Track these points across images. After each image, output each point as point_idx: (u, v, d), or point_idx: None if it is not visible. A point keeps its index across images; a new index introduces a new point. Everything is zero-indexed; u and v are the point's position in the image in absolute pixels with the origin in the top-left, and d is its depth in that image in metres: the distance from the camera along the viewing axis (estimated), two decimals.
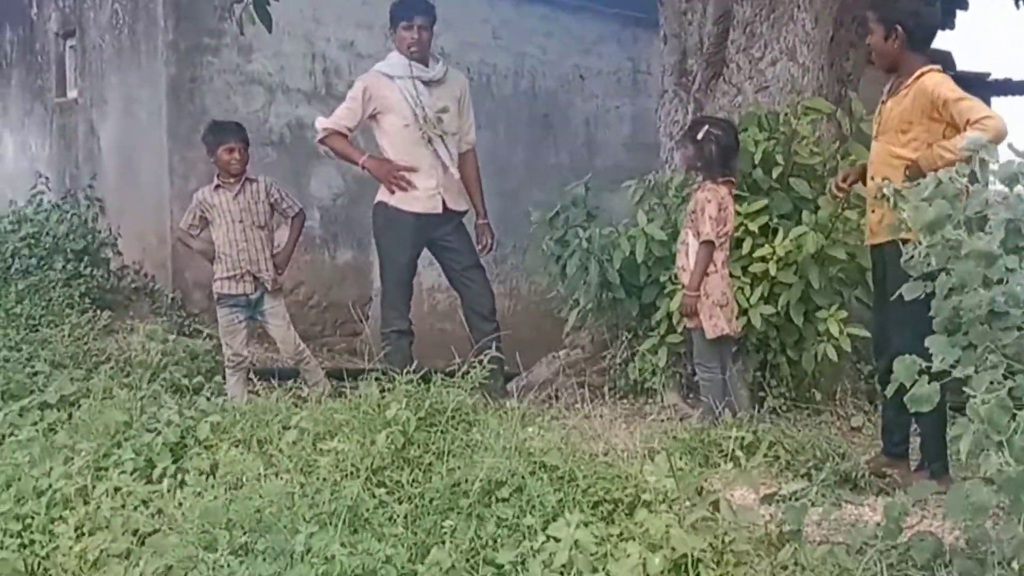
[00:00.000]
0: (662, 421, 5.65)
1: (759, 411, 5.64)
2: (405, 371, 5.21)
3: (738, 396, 5.50)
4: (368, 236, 9.17)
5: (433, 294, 9.35)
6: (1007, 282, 3.18)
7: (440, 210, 6.28)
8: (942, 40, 13.45)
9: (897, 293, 3.73)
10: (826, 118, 6.12)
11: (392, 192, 6.21)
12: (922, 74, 4.53)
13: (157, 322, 8.37)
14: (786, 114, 5.91)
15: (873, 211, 4.71)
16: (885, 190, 4.18)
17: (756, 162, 5.85)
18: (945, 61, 11.93)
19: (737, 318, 5.57)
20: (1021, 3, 9.23)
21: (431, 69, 6.33)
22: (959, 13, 12.05)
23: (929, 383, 3.30)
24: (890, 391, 3.52)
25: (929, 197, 3.63)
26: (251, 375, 6.36)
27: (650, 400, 6.08)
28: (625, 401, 6.04)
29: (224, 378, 6.51)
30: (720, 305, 5.38)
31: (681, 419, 5.67)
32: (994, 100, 12.21)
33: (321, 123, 6.35)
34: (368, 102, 6.24)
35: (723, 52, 6.45)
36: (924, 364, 3.31)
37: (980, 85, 12.19)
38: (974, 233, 3.25)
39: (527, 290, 9.75)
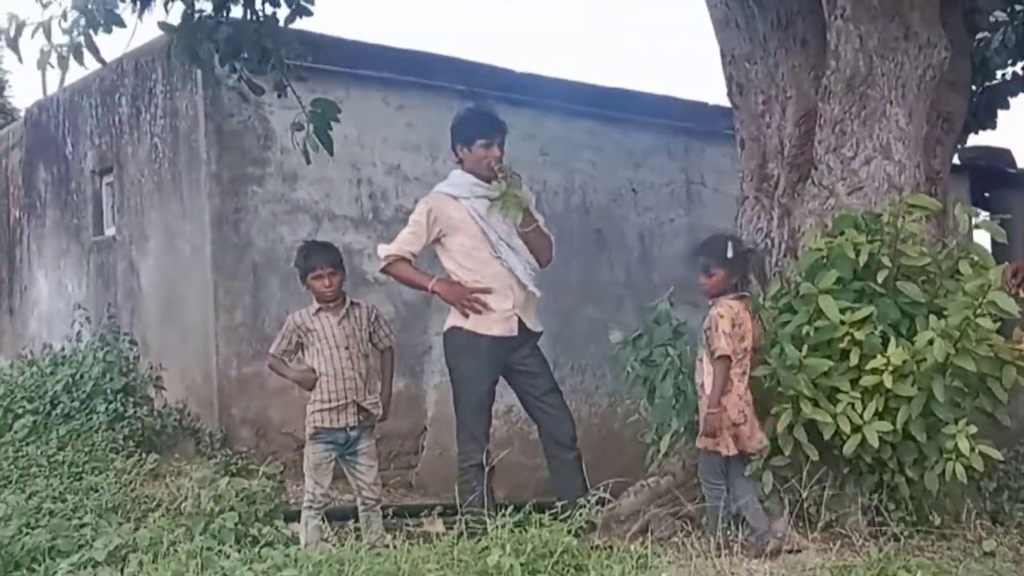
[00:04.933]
0: (777, 554, 5.14)
1: (879, 539, 5.24)
2: (498, 509, 4.90)
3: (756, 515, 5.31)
4: (420, 363, 8.94)
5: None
6: None
7: (517, 332, 5.96)
8: (1002, 138, 13.44)
9: None
10: (926, 218, 5.74)
11: (466, 316, 5.89)
12: None
13: (204, 463, 7.98)
14: (890, 214, 5.54)
15: None
16: None
17: (859, 267, 5.46)
18: (1005, 159, 11.74)
19: (848, 437, 5.24)
20: None
21: (496, 187, 6.02)
22: (1015, 106, 11.89)
23: None
24: None
25: None
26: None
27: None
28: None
29: (295, 520, 6.06)
30: (737, 424, 5.24)
31: (793, 551, 5.19)
32: None
33: (385, 250, 6.06)
34: (433, 224, 5.96)
35: (808, 153, 6.15)
36: None
37: None
38: None
39: (587, 412, 9.32)
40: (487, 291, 5.87)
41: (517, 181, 6.00)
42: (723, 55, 6.75)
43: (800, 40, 6.37)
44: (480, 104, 6.79)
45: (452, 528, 5.54)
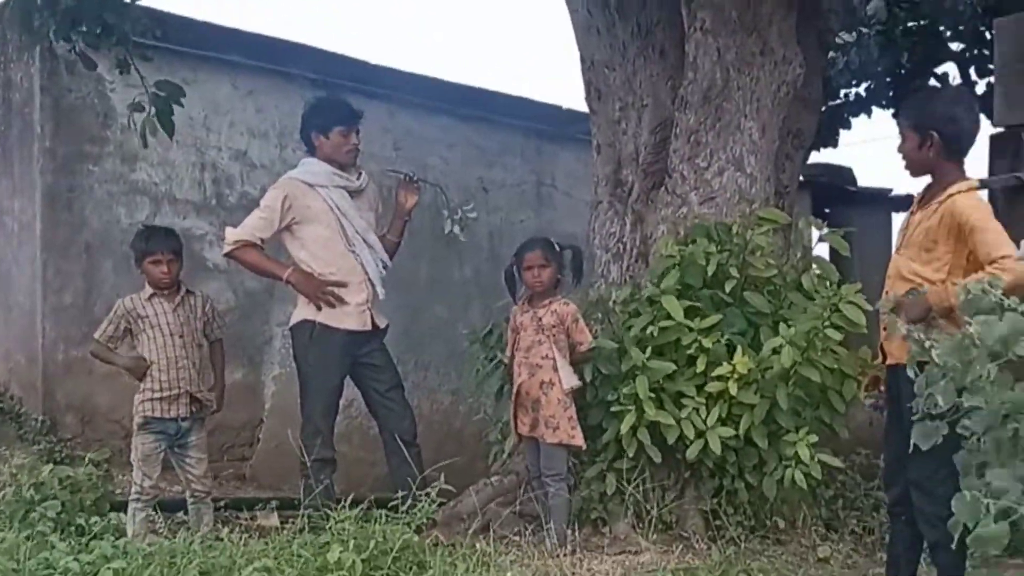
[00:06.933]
0: (618, 555, 5.18)
1: (717, 542, 5.35)
2: (339, 504, 4.77)
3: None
4: (260, 354, 8.70)
5: None
6: None
7: (370, 326, 5.87)
8: (843, 156, 13.92)
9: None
10: (773, 230, 5.84)
11: (319, 308, 5.73)
12: (955, 192, 4.24)
13: (26, 449, 7.59)
14: (739, 225, 5.63)
15: (885, 329, 4.40)
16: (883, 313, 3.98)
17: (709, 276, 5.55)
18: (845, 176, 12.15)
19: (691, 441, 5.38)
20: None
21: (356, 178, 5.97)
22: (856, 126, 12.39)
23: (996, 521, 2.92)
24: (956, 532, 3.09)
25: (963, 310, 3.33)
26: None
27: (597, 531, 5.61)
28: (569, 532, 5.52)
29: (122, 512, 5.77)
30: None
31: (633, 552, 5.25)
32: (895, 215, 12.39)
33: (233, 234, 5.82)
34: (287, 211, 5.77)
35: (663, 161, 6.22)
36: (991, 501, 2.93)
37: (881, 200, 12.38)
38: None
39: (430, 409, 9.24)
40: (342, 284, 5.77)
41: (416, 188, 6.26)
42: (583, 60, 6.79)
43: (659, 49, 6.44)
44: (333, 93, 6.65)
45: (287, 523, 5.43)
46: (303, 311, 5.82)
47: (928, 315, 4.12)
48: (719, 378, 5.36)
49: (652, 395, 5.38)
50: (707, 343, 5.42)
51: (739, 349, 5.37)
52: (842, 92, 12.25)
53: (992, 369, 3.02)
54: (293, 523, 5.22)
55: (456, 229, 6.37)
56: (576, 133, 9.12)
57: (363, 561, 4.28)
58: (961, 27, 11.61)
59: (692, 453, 5.39)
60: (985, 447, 3.20)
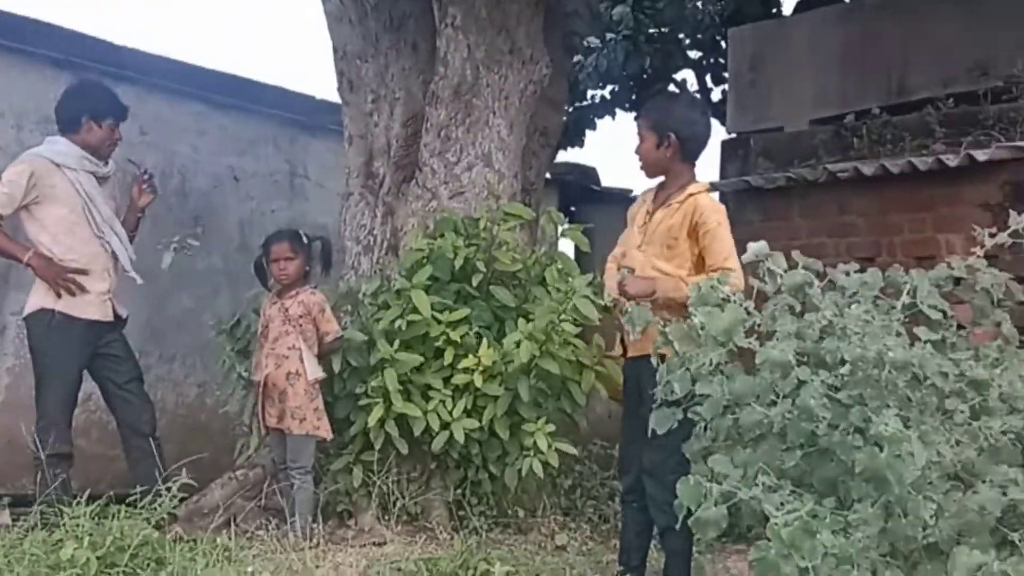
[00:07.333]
0: (362, 547, 5.21)
1: (460, 532, 5.44)
2: (75, 500, 4.64)
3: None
4: None
5: None
6: (797, 396, 3.05)
7: (112, 316, 5.72)
8: (587, 156, 14.30)
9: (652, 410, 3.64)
10: (520, 226, 6.01)
11: (59, 296, 5.53)
12: (695, 192, 4.48)
13: None
14: (486, 220, 5.74)
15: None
16: (628, 308, 4.15)
17: (457, 269, 5.65)
18: (591, 176, 12.49)
19: (437, 432, 5.44)
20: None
21: (104, 165, 5.87)
22: (601, 128, 12.81)
23: (716, 506, 3.11)
24: (680, 514, 3.27)
25: (695, 304, 3.53)
26: None
27: (343, 524, 5.63)
28: (314, 525, 5.52)
29: None
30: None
31: (378, 544, 5.30)
32: None
33: None
34: (31, 189, 5.54)
35: (414, 155, 6.27)
36: (713, 485, 3.12)
37: (622, 200, 12.77)
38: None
39: (174, 403, 8.97)
40: (83, 272, 5.60)
41: (151, 188, 6.22)
42: (335, 50, 6.75)
43: (411, 43, 6.46)
44: (78, 74, 6.40)
45: (19, 520, 5.24)
46: (41, 299, 5.61)
47: (650, 294, 4.32)
48: (465, 370, 5.45)
49: (400, 387, 5.43)
50: (454, 336, 5.51)
51: (484, 342, 5.48)
52: (589, 94, 12.67)
53: (715, 358, 3.21)
54: (25, 520, 5.02)
55: (168, 261, 6.29)
56: (329, 124, 9.00)
57: (99, 558, 4.20)
58: (700, 36, 12.23)
59: (438, 445, 5.46)
60: (710, 434, 3.40)
